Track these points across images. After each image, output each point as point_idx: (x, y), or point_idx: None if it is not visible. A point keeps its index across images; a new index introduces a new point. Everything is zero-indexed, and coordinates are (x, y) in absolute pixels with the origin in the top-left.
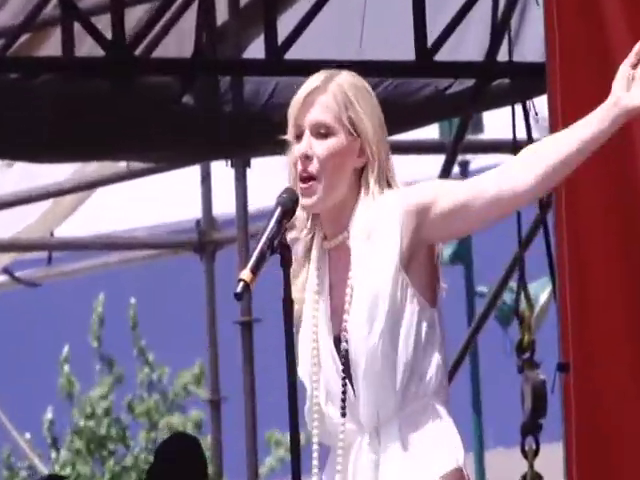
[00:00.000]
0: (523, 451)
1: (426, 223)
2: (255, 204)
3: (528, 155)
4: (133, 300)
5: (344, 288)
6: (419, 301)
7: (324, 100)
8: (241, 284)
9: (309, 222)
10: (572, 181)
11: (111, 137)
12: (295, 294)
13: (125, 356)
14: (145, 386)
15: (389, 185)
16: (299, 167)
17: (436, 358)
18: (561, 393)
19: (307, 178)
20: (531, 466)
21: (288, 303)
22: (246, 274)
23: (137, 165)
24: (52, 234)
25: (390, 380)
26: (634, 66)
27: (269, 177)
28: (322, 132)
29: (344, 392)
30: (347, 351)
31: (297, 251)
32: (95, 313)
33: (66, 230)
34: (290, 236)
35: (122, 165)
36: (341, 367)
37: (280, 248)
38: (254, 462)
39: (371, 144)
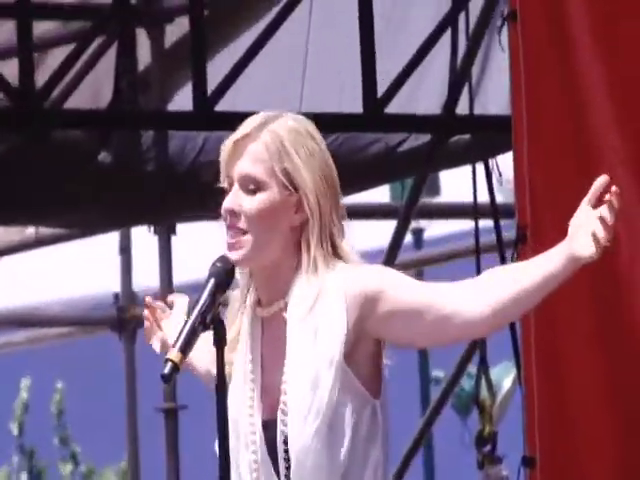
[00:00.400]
0: None
1: (370, 316)
2: (181, 276)
3: (490, 284)
4: (60, 384)
5: (278, 367)
6: (361, 394)
7: (254, 150)
8: (169, 365)
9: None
10: (541, 249)
11: (18, 199)
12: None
13: (48, 447)
14: None
15: (335, 248)
16: (227, 222)
17: (375, 456)
18: None
19: (235, 232)
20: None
21: (222, 387)
22: (174, 354)
23: (47, 231)
24: None
25: (324, 478)
26: (594, 205)
27: (197, 245)
28: (251, 188)
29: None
30: (286, 439)
31: (233, 300)
32: (19, 399)
33: None
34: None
35: (30, 232)
36: (283, 454)
37: (213, 324)
38: None
39: (310, 199)
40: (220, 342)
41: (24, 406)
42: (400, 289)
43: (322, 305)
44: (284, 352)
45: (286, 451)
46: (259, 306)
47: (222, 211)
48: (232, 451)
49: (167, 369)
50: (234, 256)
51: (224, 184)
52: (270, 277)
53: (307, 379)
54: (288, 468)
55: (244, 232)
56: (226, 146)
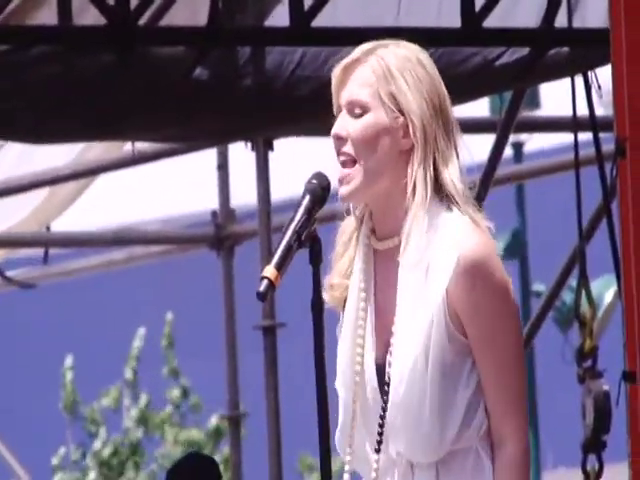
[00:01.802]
0: (585, 472)
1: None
2: (278, 193)
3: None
4: (170, 316)
5: (390, 306)
6: (464, 345)
7: (361, 74)
8: (265, 282)
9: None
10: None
11: (115, 114)
12: (335, 279)
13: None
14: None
15: (437, 175)
16: (335, 149)
17: (482, 403)
18: (627, 406)
19: (344, 162)
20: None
21: (318, 306)
22: (270, 271)
23: (144, 149)
24: (48, 228)
25: (432, 421)
26: None
27: (294, 162)
28: (357, 112)
29: (381, 425)
30: (389, 378)
31: (339, 232)
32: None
33: (64, 224)
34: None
35: (127, 149)
36: (380, 396)
37: (309, 241)
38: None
39: (415, 123)
40: (316, 259)
41: (137, 355)
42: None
43: (434, 255)
44: (396, 292)
45: (386, 393)
46: (374, 236)
47: (332, 136)
48: (343, 386)
49: (263, 287)
50: (342, 191)
51: (335, 111)
52: (383, 210)
53: (416, 325)
54: (384, 409)
55: (352, 160)
56: (335, 73)
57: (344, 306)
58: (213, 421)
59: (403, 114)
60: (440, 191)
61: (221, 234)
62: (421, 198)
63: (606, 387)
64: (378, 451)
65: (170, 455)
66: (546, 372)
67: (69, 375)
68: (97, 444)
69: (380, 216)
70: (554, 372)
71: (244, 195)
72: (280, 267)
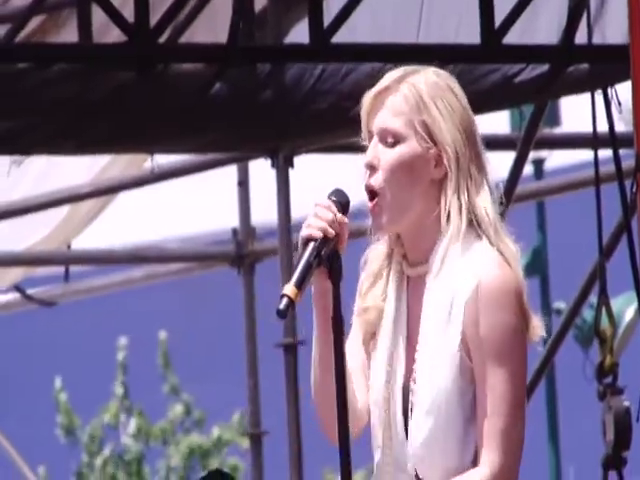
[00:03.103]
0: None
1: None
2: (299, 211)
3: None
4: (163, 335)
5: (418, 331)
6: (471, 377)
7: (393, 102)
8: (285, 300)
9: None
10: None
11: (135, 130)
12: (369, 302)
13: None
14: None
15: (471, 204)
16: (365, 179)
17: (473, 434)
18: None
19: (370, 193)
20: None
21: (338, 322)
22: (290, 289)
23: (164, 166)
24: (69, 246)
25: (457, 450)
26: None
27: (315, 179)
28: (390, 141)
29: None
30: (412, 405)
31: (369, 259)
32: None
33: (85, 242)
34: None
35: (147, 167)
36: (403, 421)
37: (328, 259)
38: None
39: (449, 152)
40: (336, 277)
41: (123, 367)
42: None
43: (458, 284)
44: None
45: (408, 417)
46: (406, 262)
47: (363, 165)
48: (375, 406)
49: (283, 304)
50: (375, 224)
51: (365, 139)
52: (414, 237)
53: (439, 354)
54: (407, 435)
55: (377, 194)
56: (365, 99)
57: (375, 331)
58: (215, 432)
59: (436, 143)
60: (472, 220)
61: (242, 252)
62: (456, 227)
63: (627, 403)
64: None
65: (173, 467)
66: (567, 389)
67: (62, 397)
68: (99, 461)
69: (411, 243)
70: (575, 389)
71: (265, 213)
72: (300, 285)
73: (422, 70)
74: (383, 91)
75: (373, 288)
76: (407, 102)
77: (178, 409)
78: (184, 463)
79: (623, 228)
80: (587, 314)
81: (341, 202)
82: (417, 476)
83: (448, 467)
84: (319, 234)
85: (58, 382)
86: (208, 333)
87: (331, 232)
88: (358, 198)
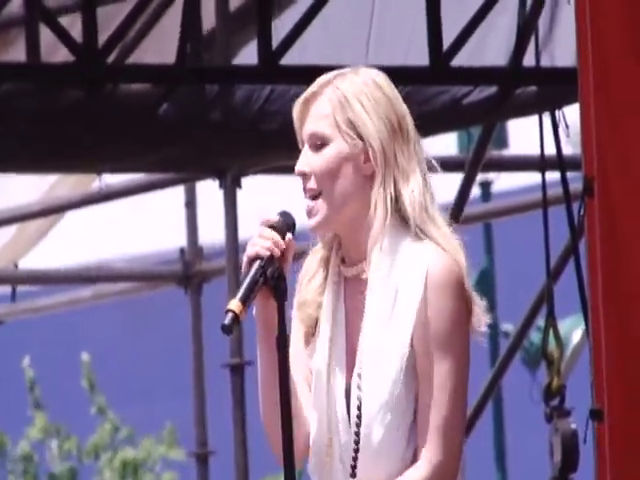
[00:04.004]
0: None
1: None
2: (246, 231)
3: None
4: (86, 357)
5: (358, 326)
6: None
7: (319, 107)
8: (230, 315)
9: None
10: (608, 202)
11: (82, 149)
12: (308, 295)
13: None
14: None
15: (398, 194)
16: (302, 186)
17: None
18: (594, 444)
19: (311, 197)
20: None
21: (282, 341)
22: (235, 304)
23: (111, 186)
24: (16, 266)
25: (401, 442)
26: None
27: (262, 200)
28: (318, 144)
29: (356, 450)
30: (361, 402)
31: (307, 261)
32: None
33: (32, 261)
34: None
35: (95, 186)
36: (355, 420)
37: (273, 279)
38: None
39: (374, 146)
40: (281, 296)
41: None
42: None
43: (402, 277)
44: (363, 317)
45: (358, 416)
46: (343, 265)
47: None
48: (314, 408)
49: (228, 319)
50: (310, 223)
51: (300, 146)
52: (351, 236)
53: (387, 347)
54: (358, 434)
55: (318, 194)
56: (295, 108)
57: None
58: (146, 445)
59: (362, 139)
60: (401, 211)
61: (189, 272)
62: (381, 219)
63: (574, 425)
64: (354, 476)
65: None
66: (514, 411)
67: None
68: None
69: (348, 243)
70: (522, 411)
71: (212, 233)
72: (245, 300)
73: (350, 71)
74: (310, 97)
75: (312, 281)
76: (331, 103)
77: (107, 427)
78: (118, 478)
79: (570, 251)
80: (534, 336)
81: (287, 223)
82: (353, 468)
83: (391, 468)
84: (265, 253)
85: None
86: (153, 353)
87: (277, 252)
88: (306, 220)
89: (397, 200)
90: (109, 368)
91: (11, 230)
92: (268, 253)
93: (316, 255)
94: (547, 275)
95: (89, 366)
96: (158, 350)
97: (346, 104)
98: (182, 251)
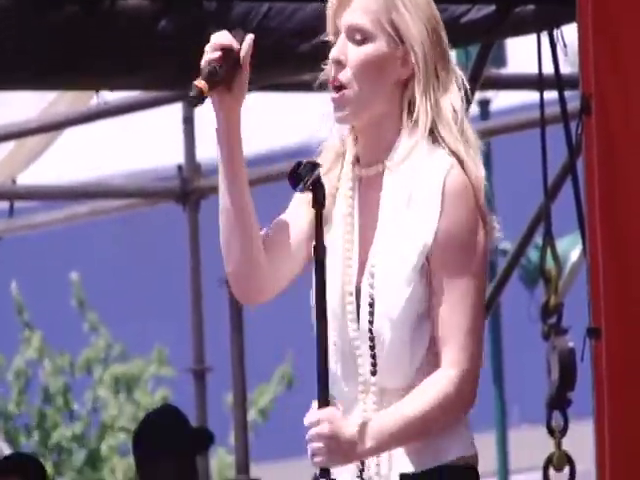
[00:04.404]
0: (549, 428)
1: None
2: (245, 148)
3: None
4: (75, 276)
5: (371, 226)
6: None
7: (361, 0)
8: (195, 90)
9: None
10: (606, 120)
11: (80, 65)
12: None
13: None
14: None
15: (437, 104)
16: (331, 74)
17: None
18: (591, 362)
19: (337, 87)
20: (558, 446)
21: (320, 251)
22: (199, 81)
23: (111, 103)
24: (14, 181)
25: (410, 346)
26: None
27: (262, 117)
28: (358, 38)
29: (372, 347)
30: (373, 300)
31: (324, 148)
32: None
33: (30, 177)
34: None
35: (93, 102)
36: (367, 319)
37: (313, 186)
38: (244, 438)
39: (417, 51)
40: (319, 204)
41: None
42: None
43: (419, 184)
44: (376, 218)
45: (371, 313)
46: (358, 164)
47: (330, 60)
48: (330, 310)
49: (193, 92)
50: (337, 114)
51: (330, 36)
52: (373, 136)
53: (400, 250)
54: (372, 339)
55: (343, 87)
56: None
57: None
58: (137, 363)
59: (404, 42)
60: (435, 121)
61: (187, 188)
62: (424, 126)
63: (571, 344)
64: (374, 373)
65: (101, 397)
66: (512, 329)
67: None
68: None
69: (368, 142)
70: (520, 329)
71: (210, 149)
72: (208, 82)
73: None
74: None
75: (327, 175)
76: (376, 1)
77: (100, 343)
78: (112, 394)
79: (568, 170)
80: (532, 254)
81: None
82: (373, 371)
83: (406, 370)
84: (216, 54)
85: None
86: (150, 270)
87: (236, 45)
88: (298, 138)
89: (433, 109)
90: (104, 286)
91: (9, 146)
92: (219, 53)
93: (329, 151)
94: (545, 194)
95: (79, 285)
96: (155, 268)
97: (391, 5)
98: (180, 168)
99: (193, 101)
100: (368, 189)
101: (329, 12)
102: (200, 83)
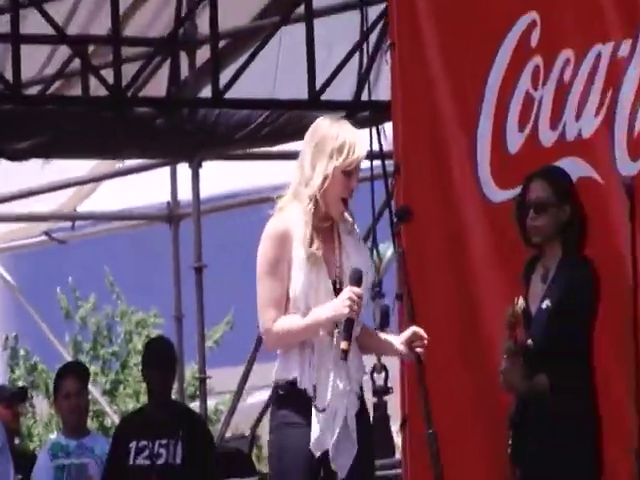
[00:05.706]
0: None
1: None
2: (205, 191)
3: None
4: (107, 268)
5: (332, 251)
6: None
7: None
8: (343, 354)
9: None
10: (406, 178)
11: (112, 144)
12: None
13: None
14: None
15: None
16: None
17: None
18: (397, 312)
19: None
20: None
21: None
22: (345, 344)
23: (129, 165)
24: (75, 209)
25: None
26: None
27: (215, 174)
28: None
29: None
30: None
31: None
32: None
33: (85, 207)
34: None
35: (119, 165)
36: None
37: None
38: (203, 356)
39: None
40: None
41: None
42: None
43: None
44: (334, 246)
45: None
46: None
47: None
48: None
49: (342, 356)
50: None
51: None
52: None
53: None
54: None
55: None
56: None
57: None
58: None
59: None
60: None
61: (172, 214)
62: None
63: (387, 303)
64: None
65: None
66: None
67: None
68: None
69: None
70: None
71: (186, 192)
72: (349, 340)
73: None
74: None
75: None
76: None
77: (123, 306)
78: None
79: (387, 204)
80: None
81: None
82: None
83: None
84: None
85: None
86: (151, 264)
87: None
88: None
89: None
90: (128, 273)
91: (73, 189)
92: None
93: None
94: (373, 219)
95: (109, 275)
96: (153, 263)
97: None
98: (168, 203)
99: (343, 357)
100: (326, 232)
101: (357, 156)
102: (345, 345)
